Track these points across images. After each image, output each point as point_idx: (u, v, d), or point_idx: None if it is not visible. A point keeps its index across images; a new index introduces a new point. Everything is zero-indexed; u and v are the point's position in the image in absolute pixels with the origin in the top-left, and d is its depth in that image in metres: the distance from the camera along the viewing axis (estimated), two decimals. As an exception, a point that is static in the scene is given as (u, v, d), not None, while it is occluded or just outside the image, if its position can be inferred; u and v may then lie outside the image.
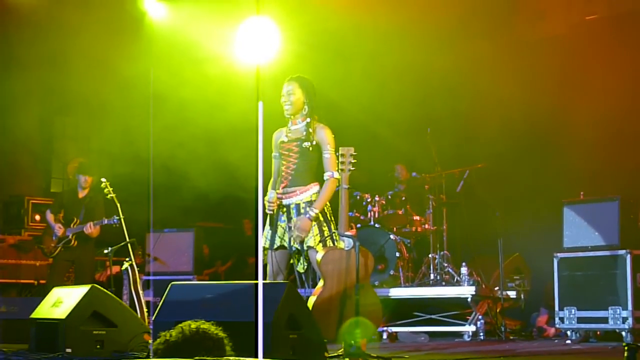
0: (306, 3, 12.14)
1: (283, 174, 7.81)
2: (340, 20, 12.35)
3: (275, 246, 7.76)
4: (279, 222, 7.78)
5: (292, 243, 7.68)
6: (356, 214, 12.43)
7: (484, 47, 12.45)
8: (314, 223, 7.61)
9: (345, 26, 12.43)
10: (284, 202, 7.78)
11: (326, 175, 7.70)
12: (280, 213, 7.77)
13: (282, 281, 7.51)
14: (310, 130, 7.75)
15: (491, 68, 12.48)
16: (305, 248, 7.66)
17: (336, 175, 7.69)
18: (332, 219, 7.76)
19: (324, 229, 7.64)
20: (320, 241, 7.59)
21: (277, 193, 7.79)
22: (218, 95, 11.84)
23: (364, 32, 12.43)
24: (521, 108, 12.36)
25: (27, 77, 13.50)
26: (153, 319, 7.11)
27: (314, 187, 7.72)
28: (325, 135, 7.74)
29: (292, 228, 7.65)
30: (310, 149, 7.71)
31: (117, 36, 12.71)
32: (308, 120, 7.79)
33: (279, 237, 7.76)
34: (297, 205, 7.71)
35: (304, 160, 7.75)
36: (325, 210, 7.72)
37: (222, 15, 11.75)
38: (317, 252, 7.59)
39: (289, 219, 7.73)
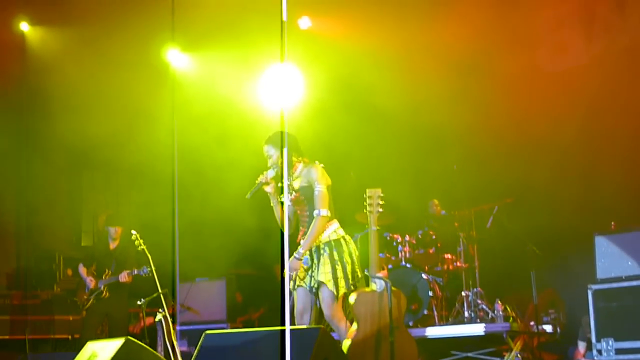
0: (328, 49, 12.21)
1: (301, 221, 7.90)
2: (363, 66, 12.42)
3: (296, 285, 7.83)
4: (302, 265, 7.82)
5: (312, 284, 7.69)
6: (387, 255, 12.39)
7: (505, 81, 12.43)
8: (325, 261, 7.64)
9: (368, 71, 12.48)
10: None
11: (314, 213, 7.71)
12: (306, 256, 7.79)
13: (315, 326, 7.48)
14: (292, 179, 7.85)
15: (513, 101, 12.46)
16: (314, 284, 7.69)
17: (323, 212, 7.67)
18: (352, 259, 7.74)
19: (337, 267, 7.64)
20: (332, 278, 7.61)
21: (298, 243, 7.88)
22: (242, 142, 11.89)
23: (385, 75, 12.47)
24: (546, 140, 12.31)
25: (54, 132, 13.61)
26: (188, 369, 7.10)
27: (332, 226, 7.74)
28: (314, 173, 7.82)
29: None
30: (301, 196, 7.78)
31: (141, 87, 12.81)
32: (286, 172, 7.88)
33: (300, 277, 7.83)
34: (317, 247, 7.75)
35: (310, 205, 7.77)
36: (344, 249, 7.73)
37: (245, 64, 11.84)
38: (328, 289, 7.59)
39: (312, 260, 7.74)
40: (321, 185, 7.74)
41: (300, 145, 7.97)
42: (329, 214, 7.72)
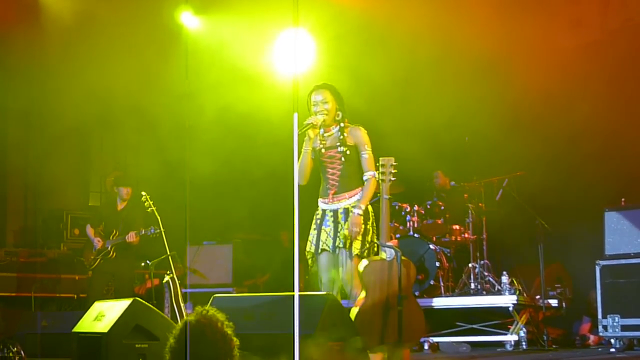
0: (342, 14, 12.14)
1: (330, 181, 7.81)
2: (375, 31, 12.35)
3: (320, 250, 7.78)
4: (323, 227, 7.81)
5: (336, 244, 7.67)
6: (395, 224, 12.38)
7: (520, 54, 12.36)
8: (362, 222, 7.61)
9: (381, 36, 12.42)
10: (332, 207, 7.80)
11: (366, 176, 7.72)
12: (326, 217, 7.78)
13: (323, 292, 7.47)
14: (345, 134, 7.79)
15: (527, 75, 12.40)
16: (338, 244, 7.66)
17: (376, 175, 7.66)
18: (374, 229, 7.75)
19: (367, 238, 7.65)
20: (360, 248, 7.61)
21: (324, 199, 7.86)
22: (254, 107, 11.85)
23: (400, 42, 12.41)
24: (559, 115, 12.27)
25: (64, 90, 13.56)
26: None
27: (360, 191, 7.74)
28: (361, 136, 7.80)
29: (346, 230, 7.63)
30: (348, 152, 7.72)
31: (154, 49, 12.76)
32: (341, 125, 7.82)
33: (322, 241, 7.78)
34: (345, 210, 7.75)
35: (347, 165, 7.75)
36: (371, 218, 7.74)
37: (258, 28, 11.78)
38: (347, 251, 7.60)
39: (336, 223, 7.72)
40: (370, 149, 7.76)
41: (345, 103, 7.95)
42: (377, 177, 7.70)
